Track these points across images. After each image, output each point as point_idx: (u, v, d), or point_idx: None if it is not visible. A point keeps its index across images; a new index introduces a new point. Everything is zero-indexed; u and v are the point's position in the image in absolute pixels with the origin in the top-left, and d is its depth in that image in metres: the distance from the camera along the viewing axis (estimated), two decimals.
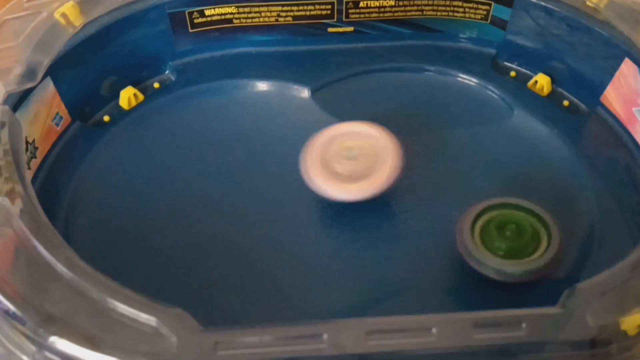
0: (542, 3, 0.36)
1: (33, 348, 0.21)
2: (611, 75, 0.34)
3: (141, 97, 0.37)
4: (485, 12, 0.39)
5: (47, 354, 0.20)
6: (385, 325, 0.21)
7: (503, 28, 0.38)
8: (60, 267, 0.22)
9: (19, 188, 0.25)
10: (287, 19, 0.39)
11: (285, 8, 0.38)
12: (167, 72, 0.38)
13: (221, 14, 0.38)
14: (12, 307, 0.21)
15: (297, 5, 0.38)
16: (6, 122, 0.28)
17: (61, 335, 0.20)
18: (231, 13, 0.38)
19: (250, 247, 0.29)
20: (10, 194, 0.24)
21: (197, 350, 0.20)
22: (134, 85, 0.37)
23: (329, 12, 0.39)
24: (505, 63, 0.39)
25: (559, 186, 0.32)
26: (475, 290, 0.27)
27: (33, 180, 0.31)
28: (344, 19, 0.39)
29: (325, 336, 0.20)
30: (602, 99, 0.35)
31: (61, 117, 0.34)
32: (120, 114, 0.36)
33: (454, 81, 0.38)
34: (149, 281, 0.27)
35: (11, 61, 0.30)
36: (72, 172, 0.32)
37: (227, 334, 0.20)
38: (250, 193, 0.31)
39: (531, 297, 0.27)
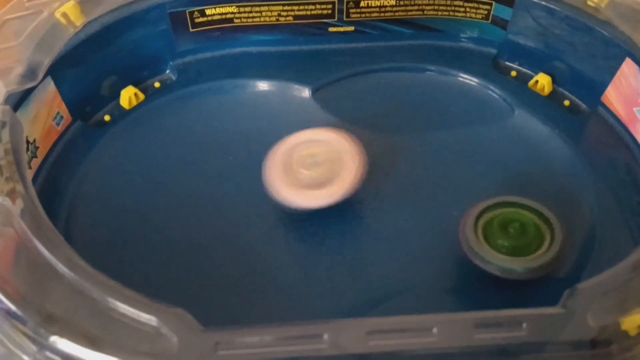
0: (543, 3, 0.36)
1: (34, 348, 0.21)
2: (612, 75, 0.34)
3: (142, 96, 0.37)
4: (486, 12, 0.39)
5: (48, 353, 0.20)
6: (385, 325, 0.21)
7: (504, 28, 0.38)
8: (61, 267, 0.22)
9: (19, 188, 0.25)
10: (287, 18, 0.39)
11: (286, 7, 0.38)
12: (167, 71, 0.38)
13: (222, 14, 0.38)
14: (13, 307, 0.21)
15: (298, 4, 0.38)
16: (7, 122, 0.28)
17: (62, 335, 0.20)
18: (232, 12, 0.38)
19: (251, 247, 0.29)
20: (11, 194, 0.24)
21: (197, 350, 0.20)
22: (135, 85, 0.37)
23: (329, 11, 0.39)
24: (506, 63, 0.39)
25: (560, 186, 0.32)
26: (476, 290, 0.27)
27: (34, 180, 0.31)
28: (344, 19, 0.39)
29: (325, 336, 0.20)
30: (603, 98, 0.35)
31: (62, 117, 0.34)
32: (120, 114, 0.36)
33: (455, 81, 0.38)
34: (149, 281, 0.27)
35: (12, 61, 0.30)
36: (72, 172, 0.32)
37: (228, 334, 0.20)
38: (251, 192, 0.31)
39: (532, 296, 0.27)
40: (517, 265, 0.26)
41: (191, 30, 0.38)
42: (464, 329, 0.20)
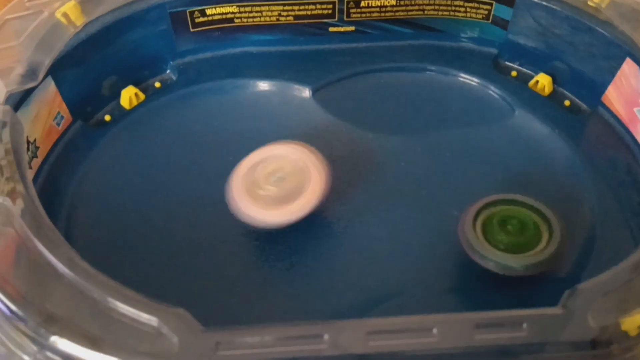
0: (544, 3, 0.36)
1: (34, 348, 0.21)
2: (612, 75, 0.34)
3: (142, 96, 0.37)
4: (486, 12, 0.38)
5: (49, 353, 0.21)
6: (386, 325, 0.21)
7: (504, 28, 0.38)
8: (62, 267, 0.22)
9: (20, 188, 0.25)
10: (288, 18, 0.39)
11: (286, 7, 0.38)
12: (168, 71, 0.38)
13: (222, 14, 0.38)
14: (13, 307, 0.21)
15: (299, 4, 0.38)
16: (7, 122, 0.28)
17: (62, 335, 0.20)
18: (232, 12, 0.38)
19: (252, 247, 0.29)
20: (12, 194, 0.25)
21: (198, 351, 0.20)
22: (135, 85, 0.37)
23: (330, 11, 0.39)
24: (507, 63, 0.39)
25: (560, 186, 0.32)
26: (476, 290, 0.28)
27: (34, 180, 0.31)
28: (345, 19, 0.39)
29: (326, 336, 0.20)
30: (604, 99, 0.35)
31: (62, 117, 0.34)
32: (121, 114, 0.36)
33: (455, 81, 0.38)
34: (149, 281, 0.27)
35: (12, 61, 0.30)
36: (73, 172, 0.32)
37: (228, 334, 0.20)
38: None
39: (532, 296, 0.27)
40: (515, 262, 0.26)
41: (191, 30, 0.38)
42: (464, 329, 0.20)
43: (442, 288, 0.28)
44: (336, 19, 0.39)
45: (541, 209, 0.28)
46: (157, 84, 0.38)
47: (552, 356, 0.20)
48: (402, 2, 0.38)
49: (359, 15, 0.39)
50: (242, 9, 0.38)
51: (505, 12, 0.38)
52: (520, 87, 0.37)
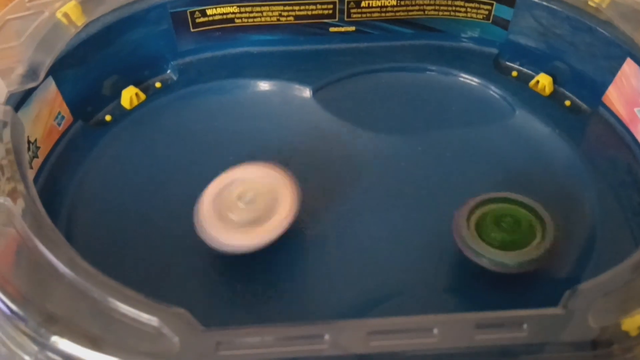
0: (544, 3, 0.36)
1: (35, 348, 0.21)
2: (613, 75, 0.34)
3: (143, 96, 0.37)
4: (487, 12, 0.38)
5: (49, 353, 0.21)
6: (386, 325, 0.21)
7: (505, 28, 0.38)
8: (62, 267, 0.22)
9: (21, 188, 0.25)
10: (288, 18, 0.39)
11: (286, 8, 0.38)
12: (168, 71, 0.39)
13: (223, 14, 0.38)
14: (14, 307, 0.21)
15: (299, 4, 0.38)
16: (8, 122, 0.28)
17: (63, 335, 0.20)
18: (233, 13, 0.38)
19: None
20: (13, 194, 0.25)
21: (198, 351, 0.20)
22: (136, 85, 0.37)
23: (330, 11, 0.39)
24: (507, 63, 0.39)
25: (561, 186, 0.32)
26: (476, 290, 0.28)
27: (35, 180, 0.31)
28: (345, 19, 0.39)
29: (326, 336, 0.20)
30: (604, 99, 0.35)
31: (63, 117, 0.34)
32: (122, 114, 0.36)
33: (456, 81, 0.38)
34: (150, 281, 0.27)
35: (13, 61, 0.30)
36: (74, 172, 0.32)
37: (229, 334, 0.20)
38: None
39: (532, 297, 0.27)
40: (509, 259, 0.26)
41: (192, 30, 0.38)
42: (464, 330, 0.20)
43: (443, 288, 0.28)
44: (337, 19, 0.39)
45: (534, 206, 0.28)
46: (158, 84, 0.38)
47: (552, 356, 0.20)
48: (402, 2, 0.38)
49: (359, 15, 0.39)
50: (242, 9, 0.38)
51: (505, 12, 0.38)
52: (521, 87, 0.37)
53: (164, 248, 0.29)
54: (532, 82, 0.37)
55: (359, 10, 0.39)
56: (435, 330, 0.20)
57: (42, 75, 0.30)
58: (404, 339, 0.20)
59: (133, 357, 0.20)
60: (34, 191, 0.26)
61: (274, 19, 0.38)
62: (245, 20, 0.38)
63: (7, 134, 0.27)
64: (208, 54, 0.39)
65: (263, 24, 0.39)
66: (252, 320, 0.26)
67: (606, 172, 0.32)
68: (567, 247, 0.29)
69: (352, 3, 0.38)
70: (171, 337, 0.20)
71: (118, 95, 0.36)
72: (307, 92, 0.36)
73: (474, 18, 0.39)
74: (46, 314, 0.21)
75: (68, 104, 0.34)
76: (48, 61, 0.31)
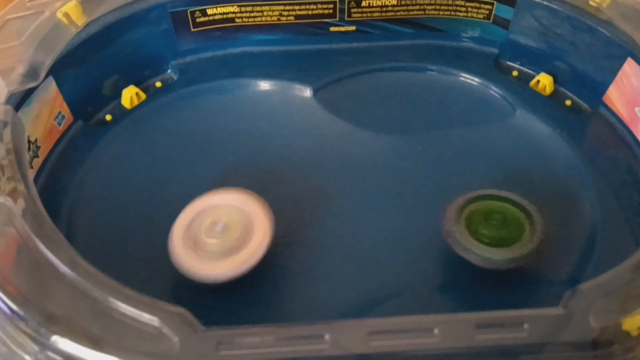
0: (545, 3, 0.36)
1: (35, 347, 0.21)
2: (614, 75, 0.34)
3: (143, 96, 0.37)
4: (487, 12, 0.38)
5: (50, 353, 0.21)
6: (387, 325, 0.21)
7: (506, 27, 0.38)
8: (63, 267, 0.22)
9: (21, 187, 0.25)
10: (289, 18, 0.39)
11: (287, 7, 0.38)
12: (169, 71, 0.39)
13: (223, 13, 0.38)
14: (14, 307, 0.21)
15: (299, 4, 0.38)
16: (9, 122, 0.28)
17: (63, 334, 0.20)
18: (233, 12, 0.38)
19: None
20: (13, 194, 0.25)
21: (199, 350, 0.20)
22: (136, 85, 0.37)
23: (331, 11, 0.39)
24: (508, 62, 0.39)
25: (561, 186, 0.32)
26: (476, 290, 0.27)
27: (35, 180, 0.31)
28: (346, 19, 0.39)
29: (327, 336, 0.20)
30: (605, 98, 0.35)
31: (63, 117, 0.34)
32: (122, 113, 0.36)
33: (456, 81, 0.38)
34: (151, 281, 0.27)
35: (13, 60, 0.30)
36: (74, 172, 0.32)
37: (229, 334, 0.20)
38: (252, 191, 0.31)
39: (533, 296, 0.27)
40: (497, 255, 0.26)
41: (192, 29, 0.38)
42: (465, 330, 0.20)
43: (443, 288, 0.28)
44: (337, 19, 0.39)
45: (523, 203, 0.28)
46: (158, 84, 0.38)
47: (553, 356, 0.20)
48: (403, 2, 0.38)
49: (360, 15, 0.39)
50: (243, 9, 0.38)
51: (506, 11, 0.38)
52: (522, 87, 0.37)
53: (164, 247, 0.29)
54: (533, 82, 0.37)
55: (360, 9, 0.39)
56: (436, 330, 0.20)
57: (43, 75, 0.30)
58: (405, 339, 0.20)
59: (133, 357, 0.20)
60: (34, 191, 0.26)
61: (275, 18, 0.38)
62: (246, 19, 0.38)
63: (7, 133, 0.27)
64: (208, 54, 0.39)
65: (263, 24, 0.39)
66: (252, 320, 0.26)
67: (607, 172, 0.32)
68: (567, 247, 0.29)
69: (352, 3, 0.38)
70: (171, 337, 0.20)
71: (118, 95, 0.36)
72: (307, 92, 0.36)
73: (475, 18, 0.39)
74: (46, 313, 0.21)
75: (68, 104, 0.34)
76: (48, 61, 0.31)
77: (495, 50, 0.39)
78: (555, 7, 0.36)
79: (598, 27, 0.34)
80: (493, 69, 0.38)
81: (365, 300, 0.27)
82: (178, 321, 0.21)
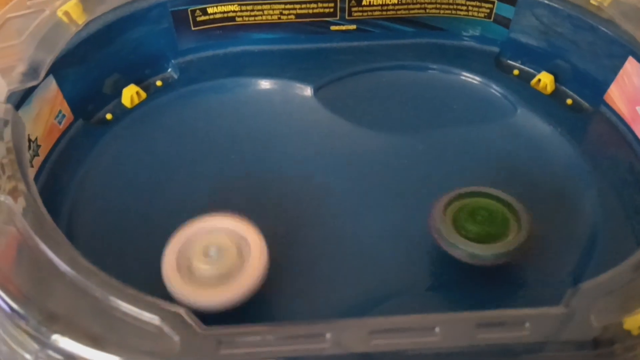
0: (546, 1, 0.36)
1: (36, 346, 0.21)
2: (615, 73, 0.34)
3: (144, 95, 0.37)
4: (488, 11, 0.38)
5: (50, 352, 0.20)
6: (388, 324, 0.21)
7: (506, 26, 0.38)
8: (63, 266, 0.22)
9: (21, 186, 0.25)
10: (289, 17, 0.39)
11: (287, 6, 0.38)
12: (169, 70, 0.38)
13: (224, 12, 0.38)
14: (15, 305, 0.21)
15: (300, 3, 0.38)
16: (9, 121, 0.28)
17: (64, 333, 0.20)
18: (234, 11, 0.38)
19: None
20: (13, 192, 0.24)
21: (199, 349, 0.20)
22: (137, 84, 0.37)
23: (331, 10, 0.39)
24: (509, 61, 0.39)
25: (562, 185, 0.32)
26: (477, 289, 0.27)
27: (36, 179, 0.31)
28: (346, 17, 0.39)
29: (328, 335, 0.20)
30: (606, 97, 0.35)
31: (64, 115, 0.34)
32: (122, 112, 0.36)
33: (457, 79, 0.38)
34: (151, 280, 0.27)
35: (14, 59, 0.30)
36: (74, 170, 0.32)
37: (230, 333, 0.20)
38: (253, 191, 0.31)
39: (533, 296, 0.27)
40: (483, 251, 0.26)
41: (193, 28, 0.38)
42: (466, 329, 0.20)
43: (444, 287, 0.28)
44: (338, 18, 0.39)
45: (509, 200, 0.28)
46: (159, 83, 0.38)
47: (554, 355, 0.20)
48: (403, 1, 0.38)
49: (360, 13, 0.39)
50: (243, 8, 0.38)
51: (507, 10, 0.38)
52: (522, 86, 0.37)
53: (165, 246, 0.29)
54: (534, 81, 0.37)
55: (360, 8, 0.39)
56: (437, 329, 0.20)
57: (43, 73, 0.30)
58: (406, 337, 0.20)
59: (134, 355, 0.20)
60: (34, 190, 0.26)
61: (275, 17, 0.38)
62: (246, 18, 0.38)
63: (7, 132, 0.27)
64: (209, 53, 0.39)
65: (264, 23, 0.39)
66: (253, 320, 0.26)
67: (608, 171, 0.32)
68: (568, 246, 0.29)
69: (353, 1, 0.38)
70: (172, 335, 0.20)
71: (119, 94, 0.36)
72: (308, 91, 0.36)
73: (476, 16, 0.39)
74: (47, 312, 0.21)
75: (69, 103, 0.34)
76: (49, 60, 0.31)
77: (496, 49, 0.39)
78: (556, 5, 0.36)
79: (599, 26, 0.34)
80: (494, 67, 0.38)
81: (366, 299, 0.27)
82: (179, 320, 0.21)
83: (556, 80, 0.37)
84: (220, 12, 0.38)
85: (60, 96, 0.33)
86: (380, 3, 0.38)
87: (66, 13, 0.33)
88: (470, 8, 0.39)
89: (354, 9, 0.39)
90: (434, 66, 0.38)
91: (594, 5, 0.35)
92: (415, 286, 0.27)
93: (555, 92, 0.37)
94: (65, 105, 0.34)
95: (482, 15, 0.39)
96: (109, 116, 0.36)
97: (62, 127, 0.34)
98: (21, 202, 0.24)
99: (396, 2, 0.38)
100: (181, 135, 0.34)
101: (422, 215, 0.30)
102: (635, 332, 0.20)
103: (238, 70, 0.38)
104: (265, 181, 0.32)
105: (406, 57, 0.39)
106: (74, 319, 0.21)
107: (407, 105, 0.36)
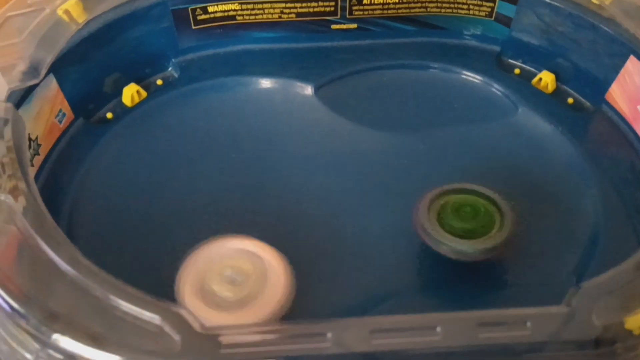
0: (547, 0, 0.36)
1: (36, 346, 0.21)
2: (616, 72, 0.34)
3: (144, 94, 0.37)
4: (489, 9, 0.38)
5: (51, 351, 0.20)
6: (389, 324, 0.21)
7: (508, 25, 0.38)
8: (64, 265, 0.22)
9: (22, 185, 0.25)
10: (290, 15, 0.38)
11: (288, 5, 0.38)
12: (170, 69, 0.38)
13: (224, 11, 0.38)
14: (15, 305, 0.21)
15: (301, 2, 0.38)
16: (9, 119, 0.28)
17: (64, 333, 0.20)
18: (234, 10, 0.38)
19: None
20: (14, 192, 0.24)
21: (200, 349, 0.20)
22: (137, 82, 0.37)
23: (332, 9, 0.39)
24: (510, 60, 0.39)
25: (563, 184, 0.32)
26: (478, 287, 0.27)
27: (36, 178, 0.31)
28: (347, 16, 0.39)
29: (329, 335, 0.20)
30: (607, 96, 0.35)
31: (64, 114, 0.34)
32: (123, 111, 0.36)
33: (458, 78, 0.38)
34: (152, 279, 0.27)
35: (14, 58, 0.30)
36: (75, 169, 0.32)
37: (231, 333, 0.20)
38: (253, 190, 0.31)
39: (533, 295, 0.27)
40: (467, 247, 0.26)
41: (193, 27, 0.38)
42: (467, 328, 0.20)
43: (445, 286, 0.28)
44: (338, 17, 0.39)
45: (493, 197, 0.28)
46: (159, 82, 0.38)
47: (555, 355, 0.20)
48: (404, 0, 0.38)
49: (361, 12, 0.39)
50: (244, 6, 0.38)
51: (508, 9, 0.38)
52: (524, 85, 0.37)
53: (165, 245, 0.29)
54: (535, 80, 0.37)
55: (361, 7, 0.39)
56: (438, 329, 0.20)
57: (43, 72, 0.30)
58: (407, 337, 0.20)
59: (134, 355, 0.20)
60: (35, 189, 0.26)
61: (276, 16, 0.38)
62: (247, 17, 0.38)
63: (8, 131, 0.27)
64: (209, 52, 0.39)
65: (264, 21, 0.39)
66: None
67: (609, 170, 0.32)
68: (569, 245, 0.29)
69: (354, 0, 0.38)
70: (173, 335, 0.20)
71: (119, 93, 0.36)
72: (309, 90, 0.36)
73: (477, 15, 0.39)
74: (48, 311, 0.21)
75: (69, 102, 0.34)
76: (49, 58, 0.30)
77: (497, 48, 0.39)
78: (557, 4, 0.36)
79: (600, 25, 0.34)
80: (495, 66, 0.38)
81: (367, 299, 0.27)
82: (179, 320, 0.21)
83: (557, 79, 0.37)
84: (221, 11, 0.38)
85: (61, 95, 0.33)
86: (381, 2, 0.38)
87: (66, 12, 0.33)
88: (471, 7, 0.39)
89: (354, 7, 0.39)
90: (435, 65, 0.38)
91: (595, 4, 0.35)
92: (416, 285, 0.27)
93: (557, 91, 0.37)
94: (66, 104, 0.34)
95: (483, 14, 0.39)
96: (109, 115, 0.36)
97: (62, 126, 0.33)
98: (21, 201, 0.24)
99: (397, 0, 0.38)
100: (182, 134, 0.34)
101: None
102: (636, 332, 0.20)
103: (239, 69, 0.38)
104: (266, 180, 0.32)
105: (407, 56, 0.39)
106: (75, 318, 0.21)
107: (408, 104, 0.36)
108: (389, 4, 0.39)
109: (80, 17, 0.33)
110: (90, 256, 0.23)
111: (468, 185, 0.28)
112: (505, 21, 0.38)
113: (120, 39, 0.36)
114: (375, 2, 0.38)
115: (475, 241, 0.26)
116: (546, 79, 0.37)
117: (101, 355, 0.20)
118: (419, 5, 0.39)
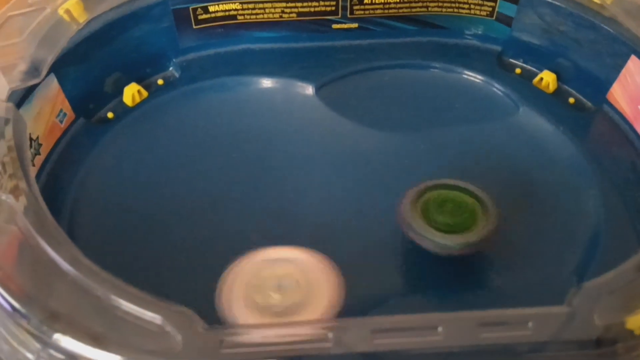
0: (548, 0, 0.36)
1: (37, 345, 0.21)
2: (617, 72, 0.34)
3: (145, 93, 0.37)
4: (490, 9, 0.38)
5: (52, 351, 0.20)
6: (390, 323, 0.21)
7: (509, 25, 0.38)
8: (65, 265, 0.22)
9: (23, 185, 0.25)
10: (291, 15, 0.38)
11: (289, 4, 0.38)
12: (171, 68, 0.38)
13: (225, 11, 0.38)
14: (16, 304, 0.21)
15: (301, 1, 0.38)
16: (10, 119, 0.28)
17: (65, 332, 0.20)
18: (235, 9, 0.38)
19: (254, 245, 0.29)
20: (15, 191, 0.24)
21: (201, 349, 0.20)
22: (138, 82, 0.37)
23: (333, 8, 0.39)
24: (511, 60, 0.39)
25: (564, 183, 0.32)
26: (479, 287, 0.27)
27: (37, 177, 0.30)
28: (348, 16, 0.39)
29: (330, 335, 0.20)
30: (608, 96, 0.35)
31: (65, 114, 0.34)
32: (124, 111, 0.36)
33: (459, 78, 0.38)
34: (153, 279, 0.27)
35: (15, 58, 0.30)
36: (76, 169, 0.32)
37: (232, 333, 0.20)
38: (253, 190, 0.31)
39: (534, 295, 0.27)
40: (451, 241, 0.26)
41: (194, 27, 0.38)
42: (469, 328, 0.20)
43: (446, 286, 0.28)
44: (339, 16, 0.39)
45: (476, 192, 0.28)
46: (160, 81, 0.38)
47: (557, 355, 0.20)
48: None
49: (362, 12, 0.39)
50: (244, 6, 0.38)
51: (509, 9, 0.38)
52: (525, 85, 0.37)
53: (167, 245, 0.29)
54: (536, 80, 0.37)
55: (362, 7, 0.39)
56: (440, 329, 0.20)
57: (44, 72, 0.30)
58: (409, 337, 0.20)
59: (136, 355, 0.20)
60: (36, 188, 0.26)
61: (277, 15, 0.38)
62: (248, 17, 0.38)
63: (9, 131, 0.27)
64: (210, 51, 0.39)
65: (265, 21, 0.39)
66: None
67: (610, 170, 0.32)
68: (571, 245, 0.29)
69: (354, 0, 0.38)
70: (174, 335, 0.20)
71: (120, 93, 0.36)
72: (309, 90, 0.36)
73: (478, 15, 0.39)
74: (49, 311, 0.21)
75: (70, 101, 0.34)
76: (50, 58, 0.30)
77: (498, 48, 0.39)
78: (558, 4, 0.36)
79: (602, 25, 0.34)
80: (496, 66, 0.38)
81: (368, 298, 0.27)
82: (181, 319, 0.21)
83: (558, 79, 0.37)
84: (222, 11, 0.38)
85: (62, 95, 0.33)
86: (382, 1, 0.38)
87: (67, 11, 0.33)
88: (472, 6, 0.39)
89: (355, 7, 0.39)
90: (436, 65, 0.38)
91: (596, 3, 0.35)
92: (417, 285, 0.27)
93: (558, 91, 0.37)
94: (67, 103, 0.34)
95: (485, 13, 0.39)
96: (110, 115, 0.36)
97: (63, 125, 0.33)
98: (22, 200, 0.24)
99: (398, 0, 0.38)
100: (182, 134, 0.34)
101: None
102: (637, 332, 0.20)
103: (239, 69, 0.38)
104: (266, 180, 0.32)
105: (408, 55, 0.39)
106: (76, 318, 0.21)
107: (409, 104, 0.36)
108: (390, 3, 0.38)
109: (81, 17, 0.33)
110: (91, 256, 0.23)
111: (451, 181, 0.29)
112: (506, 21, 0.38)
113: (121, 38, 0.36)
114: (376, 1, 0.38)
115: (458, 235, 0.26)
116: (547, 79, 0.37)
117: (102, 355, 0.20)
118: (420, 4, 0.39)
